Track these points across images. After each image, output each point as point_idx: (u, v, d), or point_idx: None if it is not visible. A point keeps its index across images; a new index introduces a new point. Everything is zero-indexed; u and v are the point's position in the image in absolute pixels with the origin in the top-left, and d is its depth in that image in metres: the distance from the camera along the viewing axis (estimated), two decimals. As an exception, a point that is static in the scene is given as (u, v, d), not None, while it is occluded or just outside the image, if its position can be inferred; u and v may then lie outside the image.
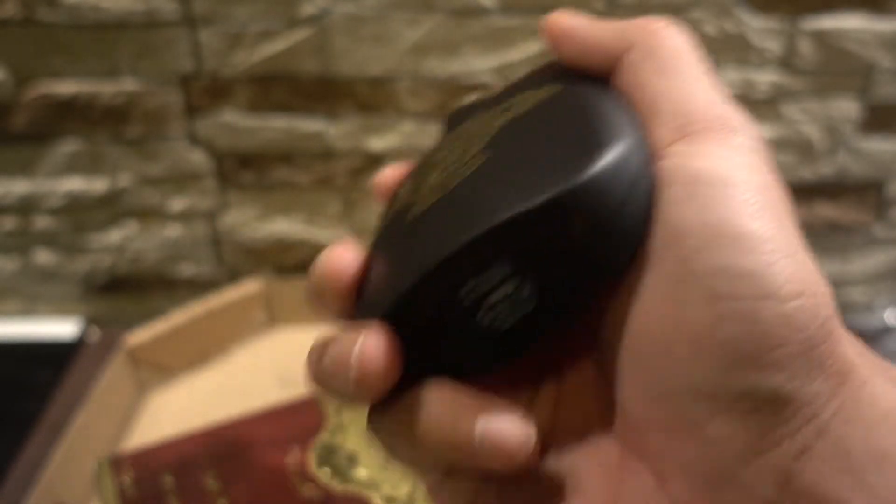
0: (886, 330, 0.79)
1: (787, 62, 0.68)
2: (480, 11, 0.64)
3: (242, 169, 0.71)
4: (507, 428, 0.17)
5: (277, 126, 0.69)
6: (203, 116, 0.68)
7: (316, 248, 0.76)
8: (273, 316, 0.70)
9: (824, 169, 0.76)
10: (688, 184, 0.17)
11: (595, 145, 0.17)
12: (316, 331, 0.21)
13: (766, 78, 0.69)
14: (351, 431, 0.53)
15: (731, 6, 0.65)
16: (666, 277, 0.16)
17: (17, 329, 0.75)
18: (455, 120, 0.24)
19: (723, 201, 0.16)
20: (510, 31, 0.65)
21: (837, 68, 0.69)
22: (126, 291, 0.79)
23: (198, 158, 0.70)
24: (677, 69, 0.19)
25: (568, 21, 0.20)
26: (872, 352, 0.17)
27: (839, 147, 0.74)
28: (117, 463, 0.51)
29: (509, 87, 0.23)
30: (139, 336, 0.62)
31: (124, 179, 0.71)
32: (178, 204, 0.73)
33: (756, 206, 0.16)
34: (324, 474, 0.50)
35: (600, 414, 0.19)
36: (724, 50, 0.67)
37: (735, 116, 0.20)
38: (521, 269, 0.17)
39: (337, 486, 0.49)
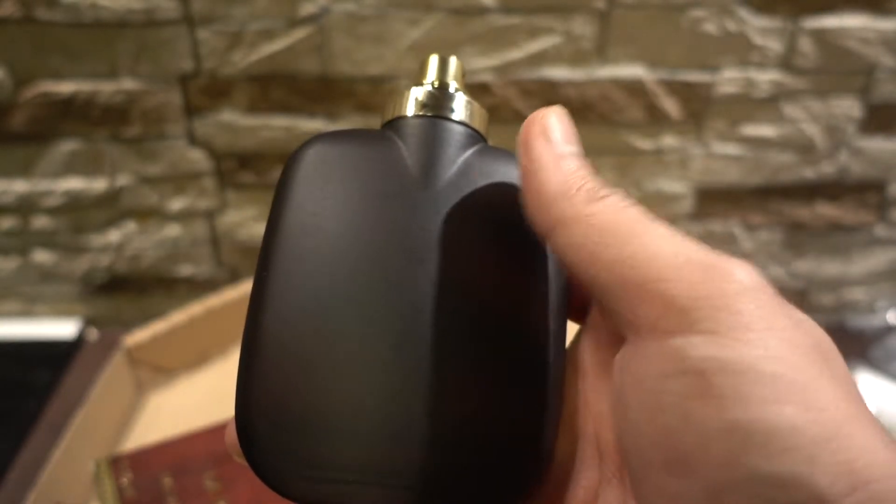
0: (888, 330, 0.79)
1: (788, 61, 0.68)
2: (480, 11, 0.64)
3: (241, 169, 0.71)
4: None
5: (277, 126, 0.69)
6: (202, 116, 0.68)
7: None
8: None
9: (826, 168, 0.76)
10: (696, 378, 0.14)
11: (531, 469, 0.19)
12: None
13: (767, 77, 0.69)
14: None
15: (732, 5, 0.64)
16: (704, 488, 0.14)
17: (16, 329, 0.75)
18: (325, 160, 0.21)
19: (740, 392, 0.14)
20: (510, 30, 0.65)
21: (839, 68, 0.69)
22: (125, 291, 0.78)
23: (197, 158, 0.70)
24: (632, 231, 0.17)
25: (537, 151, 0.19)
26: None
27: (840, 147, 0.74)
28: (116, 463, 0.51)
29: (430, 150, 0.21)
30: (138, 336, 0.61)
31: (123, 179, 0.71)
32: (177, 204, 0.73)
33: (780, 385, 0.13)
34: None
35: None
36: (725, 49, 0.67)
37: (722, 261, 0.16)
38: None
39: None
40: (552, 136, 0.19)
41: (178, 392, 0.63)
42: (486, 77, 0.67)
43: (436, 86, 0.22)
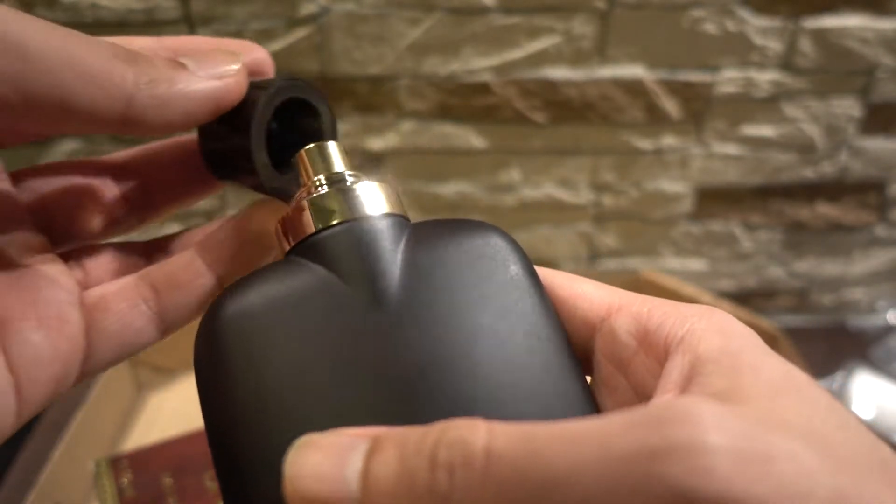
0: (888, 330, 0.79)
1: (788, 61, 0.68)
2: (481, 10, 0.64)
3: (242, 168, 0.71)
4: None
5: (277, 125, 0.69)
6: (202, 116, 0.68)
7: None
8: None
9: (826, 168, 0.76)
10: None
11: None
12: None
13: (767, 77, 0.69)
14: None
15: (732, 5, 0.64)
16: None
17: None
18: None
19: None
20: (510, 30, 0.65)
21: (839, 68, 0.69)
22: (125, 291, 0.78)
23: (197, 158, 0.70)
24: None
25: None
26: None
27: (841, 146, 0.74)
28: (116, 463, 0.51)
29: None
30: (138, 336, 0.61)
31: (123, 179, 0.71)
32: (177, 204, 0.73)
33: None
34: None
35: None
36: (725, 49, 0.67)
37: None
38: None
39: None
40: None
41: (178, 392, 0.63)
42: (486, 77, 0.67)
43: (328, 182, 0.19)
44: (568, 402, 0.17)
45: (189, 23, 0.63)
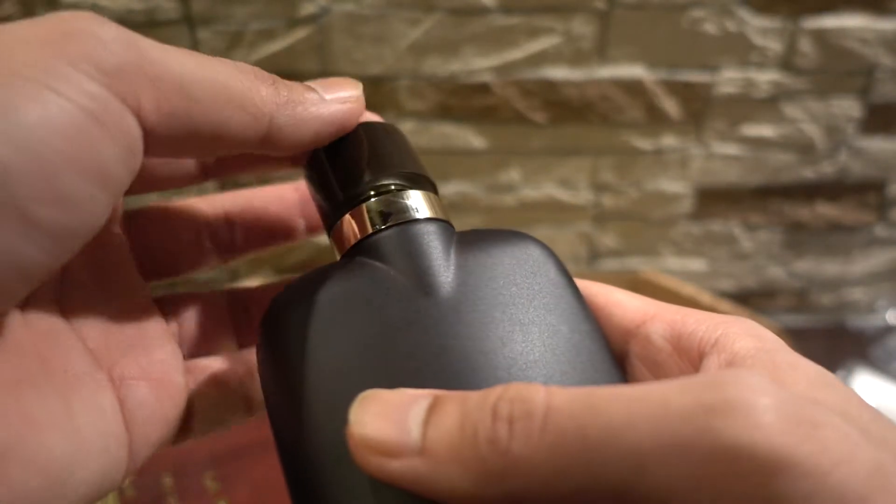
0: (888, 330, 0.79)
1: (788, 62, 0.68)
2: (481, 10, 0.64)
3: (242, 168, 0.71)
4: None
5: (277, 125, 0.69)
6: (202, 116, 0.68)
7: (316, 248, 0.76)
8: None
9: (826, 168, 0.76)
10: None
11: None
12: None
13: (767, 77, 0.69)
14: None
15: (732, 5, 0.65)
16: None
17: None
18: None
19: None
20: (510, 30, 0.65)
21: (838, 68, 0.69)
22: (125, 291, 0.78)
23: (197, 158, 0.70)
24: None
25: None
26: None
27: (840, 146, 0.74)
28: (116, 463, 0.51)
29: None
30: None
31: (124, 179, 0.71)
32: (177, 204, 0.73)
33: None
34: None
35: None
36: (725, 49, 0.67)
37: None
38: None
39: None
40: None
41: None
42: (486, 77, 0.67)
43: (376, 193, 0.20)
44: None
45: (189, 23, 0.63)
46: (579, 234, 0.78)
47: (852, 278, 0.84)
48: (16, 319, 0.16)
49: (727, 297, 0.75)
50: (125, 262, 0.20)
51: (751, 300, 0.84)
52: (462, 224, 0.22)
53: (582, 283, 0.20)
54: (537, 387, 0.13)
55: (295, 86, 0.18)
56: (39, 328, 0.17)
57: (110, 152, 0.14)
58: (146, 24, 0.63)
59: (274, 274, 0.76)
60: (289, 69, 0.65)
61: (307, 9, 0.63)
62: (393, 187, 0.20)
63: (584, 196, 0.75)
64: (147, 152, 0.16)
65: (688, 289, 0.70)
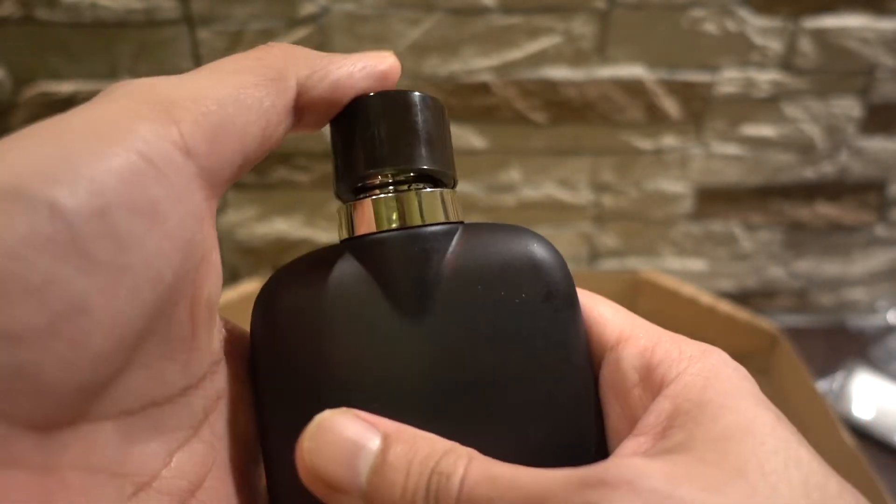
0: (888, 330, 0.79)
1: (788, 61, 0.68)
2: (480, 11, 0.64)
3: (242, 168, 0.71)
4: None
5: (277, 125, 0.69)
6: (202, 116, 0.68)
7: (315, 248, 0.76)
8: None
9: (826, 168, 0.76)
10: None
11: None
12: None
13: (767, 77, 0.69)
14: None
15: (732, 5, 0.64)
16: None
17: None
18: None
19: None
20: (510, 30, 0.65)
21: (839, 67, 0.69)
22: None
23: (197, 158, 0.70)
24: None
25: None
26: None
27: (841, 146, 0.74)
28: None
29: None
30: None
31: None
32: (177, 204, 0.73)
33: None
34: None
35: None
36: (725, 49, 0.67)
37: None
38: None
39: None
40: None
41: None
42: (486, 77, 0.67)
43: (393, 183, 0.20)
44: (579, 435, 0.19)
45: (189, 23, 0.63)
46: (579, 234, 0.78)
47: (852, 278, 0.84)
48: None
49: (727, 297, 0.75)
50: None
51: (751, 300, 0.84)
52: (462, 224, 0.21)
53: None
54: (460, 463, 0.15)
55: (315, 55, 0.19)
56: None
57: (161, 192, 0.15)
58: (146, 24, 0.63)
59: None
60: (289, 69, 0.65)
61: (307, 9, 0.63)
62: (409, 185, 0.20)
63: (584, 196, 0.75)
64: (200, 183, 0.16)
65: (688, 289, 0.70)
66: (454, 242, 0.19)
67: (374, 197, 0.19)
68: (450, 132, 0.21)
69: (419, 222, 0.19)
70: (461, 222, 0.20)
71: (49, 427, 0.14)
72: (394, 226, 0.19)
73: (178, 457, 0.17)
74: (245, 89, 0.17)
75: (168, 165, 0.15)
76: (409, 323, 0.18)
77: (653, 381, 0.18)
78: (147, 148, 0.15)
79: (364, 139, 0.19)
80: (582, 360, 0.19)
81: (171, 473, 0.17)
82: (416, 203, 0.19)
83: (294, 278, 0.19)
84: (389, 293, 0.19)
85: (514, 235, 0.20)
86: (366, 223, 0.19)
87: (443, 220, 0.20)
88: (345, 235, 0.20)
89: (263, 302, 0.19)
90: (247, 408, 0.20)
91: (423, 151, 0.19)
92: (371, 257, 0.19)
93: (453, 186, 0.21)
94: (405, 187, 0.20)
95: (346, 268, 0.19)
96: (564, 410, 0.19)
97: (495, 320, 0.19)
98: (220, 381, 0.19)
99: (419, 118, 0.20)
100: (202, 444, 0.18)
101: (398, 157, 0.19)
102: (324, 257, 0.19)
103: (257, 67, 0.17)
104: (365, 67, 0.19)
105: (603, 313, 0.20)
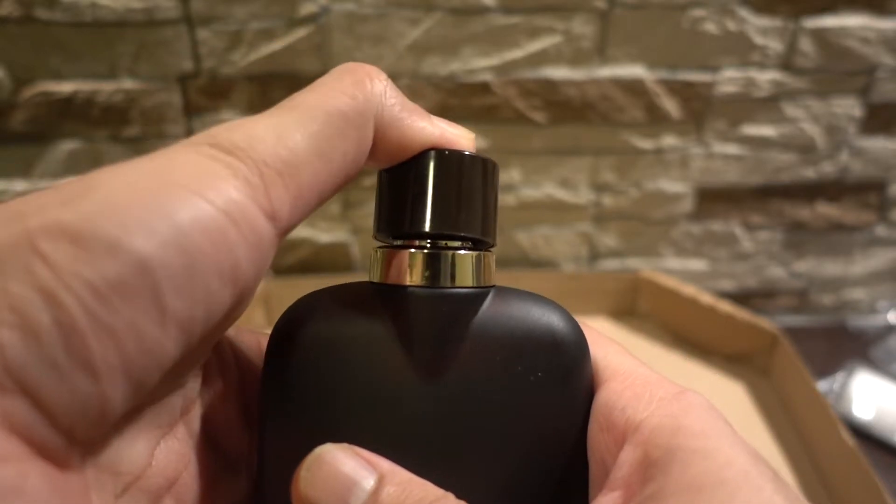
0: (888, 330, 0.79)
1: (788, 61, 0.68)
2: (480, 10, 0.64)
3: (242, 168, 0.71)
4: None
5: (277, 125, 0.69)
6: (202, 116, 0.68)
7: (316, 248, 0.75)
8: (272, 316, 0.70)
9: (826, 168, 0.76)
10: None
11: None
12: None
13: (767, 77, 0.69)
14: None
15: (732, 5, 0.64)
16: None
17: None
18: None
19: None
20: (510, 30, 0.65)
21: (839, 68, 0.69)
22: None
23: (197, 158, 0.70)
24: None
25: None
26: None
27: (841, 146, 0.74)
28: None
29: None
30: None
31: (123, 179, 0.71)
32: (177, 203, 0.72)
33: None
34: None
35: None
36: (725, 49, 0.67)
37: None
38: None
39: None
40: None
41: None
42: (486, 77, 0.67)
43: (431, 240, 0.20)
44: (565, 498, 0.19)
45: (189, 23, 0.63)
46: (579, 234, 0.78)
47: (853, 278, 0.84)
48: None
49: (727, 297, 0.75)
50: None
51: (751, 300, 0.84)
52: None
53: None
54: None
55: (398, 107, 0.20)
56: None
57: (243, 253, 0.15)
58: (146, 24, 0.63)
59: (273, 274, 0.76)
60: (289, 69, 0.65)
61: (307, 8, 0.63)
62: (447, 244, 0.20)
63: (584, 196, 0.75)
64: (276, 242, 0.17)
65: (688, 289, 0.70)
66: (482, 308, 0.20)
67: (411, 250, 0.20)
68: (497, 194, 0.21)
69: (449, 284, 0.20)
70: (492, 286, 0.21)
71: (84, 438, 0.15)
72: (424, 283, 0.20)
73: (157, 455, 0.17)
74: (331, 141, 0.17)
75: (253, 232, 0.15)
76: (423, 379, 0.19)
77: (615, 425, 0.18)
78: (236, 209, 0.15)
79: (415, 195, 0.20)
80: (584, 437, 0.20)
81: (151, 472, 0.17)
82: (449, 264, 0.20)
83: (318, 312, 0.20)
84: (409, 348, 0.19)
85: (540, 309, 0.20)
86: (398, 273, 0.20)
87: (472, 284, 0.20)
88: (376, 278, 0.21)
89: (284, 329, 0.20)
90: (220, 405, 0.20)
91: (468, 217, 0.20)
92: (396, 308, 0.19)
93: (492, 246, 0.21)
94: (443, 243, 0.20)
95: (370, 312, 0.19)
96: (556, 481, 0.19)
97: (507, 395, 0.19)
98: (198, 381, 0.19)
99: (473, 184, 0.20)
100: (178, 441, 0.18)
101: (444, 223, 0.20)
102: (350, 295, 0.20)
103: (348, 113, 0.18)
104: (444, 134, 0.20)
105: (594, 357, 0.20)
